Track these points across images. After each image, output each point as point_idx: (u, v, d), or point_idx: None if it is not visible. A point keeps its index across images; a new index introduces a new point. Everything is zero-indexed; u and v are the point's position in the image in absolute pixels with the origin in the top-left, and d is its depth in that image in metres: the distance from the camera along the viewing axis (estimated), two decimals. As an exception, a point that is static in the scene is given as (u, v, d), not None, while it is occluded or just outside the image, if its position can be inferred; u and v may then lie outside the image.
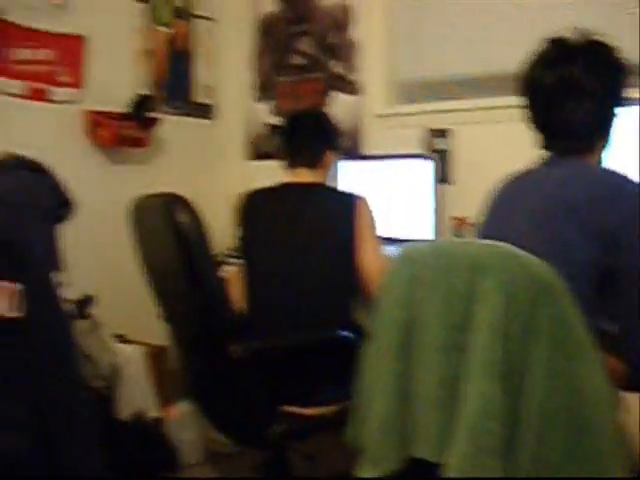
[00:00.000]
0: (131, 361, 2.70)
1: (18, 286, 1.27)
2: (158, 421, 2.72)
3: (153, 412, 2.72)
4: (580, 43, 1.61)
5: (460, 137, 2.92)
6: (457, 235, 2.72)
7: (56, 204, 1.47)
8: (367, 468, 1.41)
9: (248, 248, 2.31)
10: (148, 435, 2.67)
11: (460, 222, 2.73)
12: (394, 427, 1.36)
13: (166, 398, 2.80)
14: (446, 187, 2.84)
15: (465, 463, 1.20)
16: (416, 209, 2.78)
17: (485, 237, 1.60)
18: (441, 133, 2.97)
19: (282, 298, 2.20)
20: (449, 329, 1.28)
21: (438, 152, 2.90)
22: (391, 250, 2.35)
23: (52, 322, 1.38)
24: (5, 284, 1.27)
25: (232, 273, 2.38)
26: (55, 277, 1.39)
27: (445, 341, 1.28)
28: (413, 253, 1.39)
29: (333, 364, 2.05)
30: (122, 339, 2.82)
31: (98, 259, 2.94)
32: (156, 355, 2.82)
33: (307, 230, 2.22)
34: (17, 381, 1.31)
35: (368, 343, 1.43)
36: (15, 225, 1.34)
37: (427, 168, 2.75)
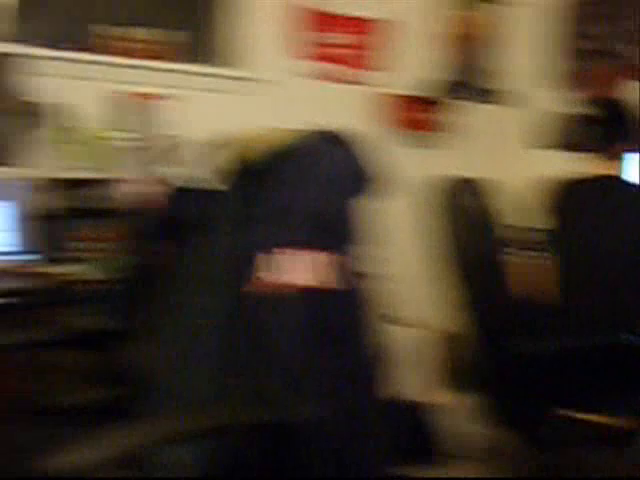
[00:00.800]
0: (404, 343, 2.74)
1: (340, 259, 1.34)
2: (424, 407, 2.73)
3: (420, 397, 2.74)
4: None
5: None
6: None
7: (361, 181, 1.52)
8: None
9: (556, 241, 2.22)
10: (409, 420, 2.70)
11: None
12: None
13: (438, 384, 2.81)
14: None
15: None
16: None
17: None
18: None
19: (583, 295, 2.10)
20: None
21: None
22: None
23: (352, 295, 1.44)
24: (333, 257, 1.33)
25: (532, 263, 2.30)
26: (354, 251, 1.44)
27: None
28: None
29: (621, 371, 1.92)
30: (408, 321, 2.87)
31: (394, 238, 3.00)
32: (443, 340, 2.83)
33: (610, 227, 2.10)
34: (321, 352, 1.37)
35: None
36: (325, 199, 1.40)
37: None
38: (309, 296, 1.33)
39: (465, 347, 2.14)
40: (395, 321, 2.79)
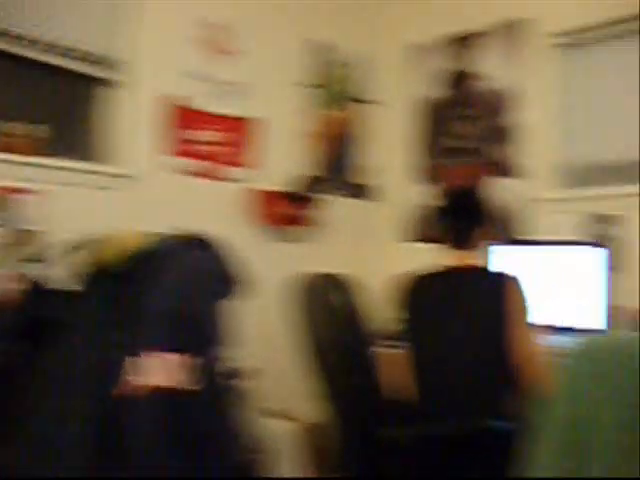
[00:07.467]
0: (283, 436, 2.70)
1: (198, 360, 1.32)
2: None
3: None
4: None
5: (631, 223, 2.81)
6: (631, 327, 2.54)
7: (224, 282, 1.52)
8: None
9: (411, 332, 2.23)
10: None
11: (633, 313, 2.57)
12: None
13: (318, 474, 2.77)
14: (616, 275, 2.71)
15: None
16: (584, 297, 2.67)
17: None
18: (608, 219, 2.86)
19: (441, 384, 2.11)
20: (625, 431, 1.19)
21: (604, 238, 2.80)
22: (558, 339, 2.23)
23: (214, 395, 1.42)
24: (188, 358, 1.32)
25: (392, 356, 2.32)
26: (218, 352, 1.43)
27: (619, 443, 1.19)
28: (594, 348, 1.29)
29: (486, 456, 1.95)
30: (279, 414, 2.83)
31: (261, 334, 2.98)
32: (311, 431, 2.81)
33: (464, 313, 2.13)
34: (177, 454, 1.34)
35: (534, 438, 1.35)
36: (185, 301, 1.40)
37: (598, 255, 2.66)
38: (162, 397, 1.30)
39: (329, 437, 2.12)
40: (270, 414, 2.76)
